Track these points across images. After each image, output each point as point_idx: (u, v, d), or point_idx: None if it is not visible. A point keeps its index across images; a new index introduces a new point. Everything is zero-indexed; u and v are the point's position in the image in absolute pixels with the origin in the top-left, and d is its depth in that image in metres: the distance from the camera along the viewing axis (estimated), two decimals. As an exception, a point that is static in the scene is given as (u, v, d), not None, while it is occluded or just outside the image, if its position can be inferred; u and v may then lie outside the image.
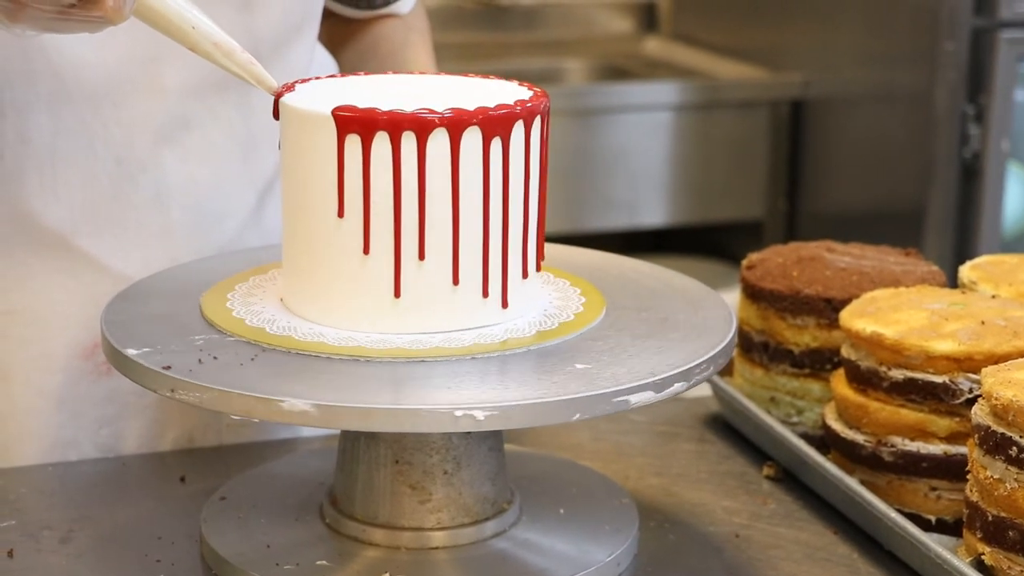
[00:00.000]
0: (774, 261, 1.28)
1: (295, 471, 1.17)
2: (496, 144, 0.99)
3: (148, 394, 0.96)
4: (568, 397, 0.92)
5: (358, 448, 1.05)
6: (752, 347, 1.28)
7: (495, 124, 0.98)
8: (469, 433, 1.03)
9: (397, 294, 0.99)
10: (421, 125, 0.96)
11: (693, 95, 2.94)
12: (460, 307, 1.00)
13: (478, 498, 1.05)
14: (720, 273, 2.98)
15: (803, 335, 1.23)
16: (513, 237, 1.01)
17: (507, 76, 1.11)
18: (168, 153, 1.22)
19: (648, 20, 3.44)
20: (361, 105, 0.97)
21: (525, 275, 1.03)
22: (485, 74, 1.11)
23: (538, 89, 1.05)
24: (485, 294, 1.01)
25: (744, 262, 1.30)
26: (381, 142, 0.97)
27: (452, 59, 3.16)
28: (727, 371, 1.33)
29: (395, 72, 1.18)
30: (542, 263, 1.07)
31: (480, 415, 0.90)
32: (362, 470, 1.05)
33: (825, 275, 1.24)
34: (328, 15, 1.39)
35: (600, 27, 3.43)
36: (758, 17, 3.10)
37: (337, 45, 1.43)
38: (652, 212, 2.95)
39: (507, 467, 1.08)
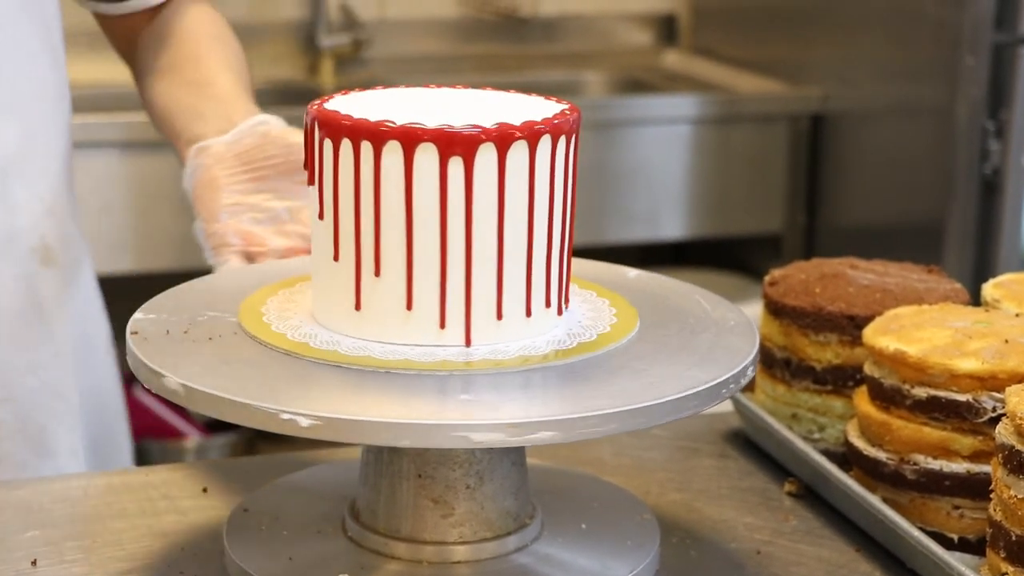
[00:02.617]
0: (797, 277, 1.28)
1: (317, 484, 1.17)
2: (456, 164, 0.97)
3: None
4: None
5: (381, 461, 1.05)
6: (774, 363, 1.27)
7: (455, 143, 0.97)
8: (492, 447, 1.03)
9: (358, 306, 1.00)
10: (408, 138, 0.97)
11: (713, 108, 2.94)
12: (416, 329, 1.00)
13: (500, 512, 1.05)
14: (739, 286, 2.98)
15: (826, 352, 1.23)
16: (481, 270, 0.99)
17: (526, 88, 1.11)
18: None
19: (668, 33, 3.44)
20: (356, 115, 0.99)
21: (499, 316, 1.00)
22: (506, 88, 1.11)
23: (566, 104, 1.04)
24: (442, 324, 0.99)
25: (767, 278, 1.30)
26: (363, 150, 0.98)
27: (471, 71, 3.17)
28: (749, 387, 1.32)
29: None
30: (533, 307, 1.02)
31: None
32: (385, 484, 1.05)
33: (848, 292, 1.24)
34: (105, 19, 1.39)
35: (620, 40, 3.43)
36: (778, 31, 3.10)
37: (124, 51, 1.43)
38: (671, 225, 2.95)
39: (529, 482, 1.09)
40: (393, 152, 0.97)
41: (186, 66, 1.34)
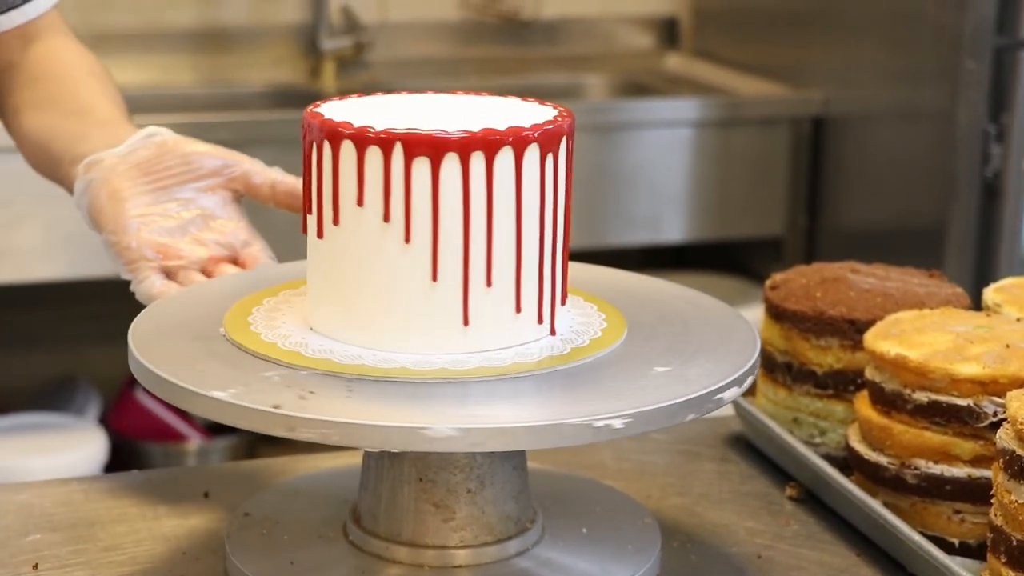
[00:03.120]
0: (798, 282, 1.28)
1: (318, 488, 1.17)
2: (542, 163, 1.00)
3: None
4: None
5: (382, 466, 1.05)
6: (775, 367, 1.28)
7: (552, 139, 1.00)
8: (493, 452, 1.03)
9: (466, 322, 0.99)
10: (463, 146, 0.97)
11: (714, 111, 2.94)
12: (524, 329, 1.02)
13: (501, 517, 1.05)
14: (740, 290, 2.98)
15: (827, 356, 1.23)
16: (553, 261, 1.03)
17: (527, 91, 1.12)
18: None
19: (669, 36, 3.44)
20: (400, 127, 0.98)
21: (564, 301, 1.05)
22: (507, 91, 1.11)
23: (562, 108, 1.05)
24: (540, 320, 1.02)
25: (768, 282, 1.30)
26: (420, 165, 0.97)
27: (473, 74, 3.17)
28: (750, 391, 1.33)
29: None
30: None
31: (619, 423, 0.92)
32: (386, 488, 1.05)
33: (849, 296, 1.24)
34: None
35: (621, 43, 3.43)
36: (779, 34, 3.10)
37: None
38: (672, 228, 2.95)
39: (530, 486, 1.09)
40: (505, 157, 0.98)
41: (65, 100, 1.31)
